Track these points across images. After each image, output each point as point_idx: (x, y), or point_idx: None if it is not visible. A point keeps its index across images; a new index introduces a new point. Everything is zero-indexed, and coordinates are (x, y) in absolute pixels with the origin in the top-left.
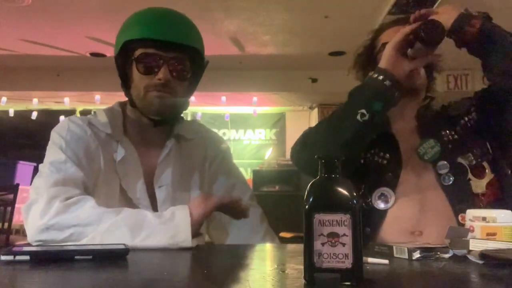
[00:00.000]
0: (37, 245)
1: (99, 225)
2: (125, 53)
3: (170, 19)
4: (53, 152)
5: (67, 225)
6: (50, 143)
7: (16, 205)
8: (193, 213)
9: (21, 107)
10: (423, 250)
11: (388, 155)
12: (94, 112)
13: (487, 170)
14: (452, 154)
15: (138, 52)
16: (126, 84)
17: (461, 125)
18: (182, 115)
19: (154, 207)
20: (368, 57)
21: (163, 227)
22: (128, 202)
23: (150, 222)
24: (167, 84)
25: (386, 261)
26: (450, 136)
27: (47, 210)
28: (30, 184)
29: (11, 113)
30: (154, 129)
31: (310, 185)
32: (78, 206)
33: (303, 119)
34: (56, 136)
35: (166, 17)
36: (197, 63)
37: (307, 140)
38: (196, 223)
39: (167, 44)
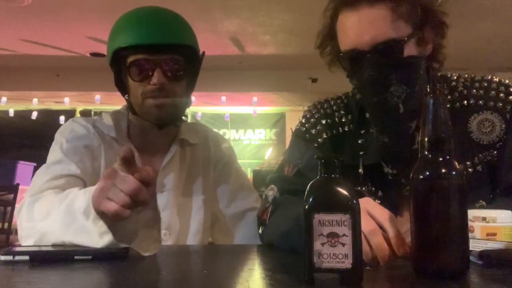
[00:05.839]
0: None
1: (47, 220)
2: (117, 60)
3: (157, 20)
4: (52, 153)
5: (24, 221)
6: (53, 143)
7: (16, 205)
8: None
9: (21, 107)
10: None
11: (380, 192)
12: (101, 114)
13: None
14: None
15: (129, 59)
16: (124, 91)
17: (490, 154)
18: (185, 114)
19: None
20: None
21: (90, 225)
22: None
23: (79, 217)
24: (163, 88)
25: None
26: (470, 169)
27: (20, 208)
28: None
29: (11, 113)
30: (158, 133)
31: (310, 185)
32: (38, 200)
33: None
34: (58, 137)
35: (153, 18)
36: (192, 59)
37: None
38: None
39: (158, 47)
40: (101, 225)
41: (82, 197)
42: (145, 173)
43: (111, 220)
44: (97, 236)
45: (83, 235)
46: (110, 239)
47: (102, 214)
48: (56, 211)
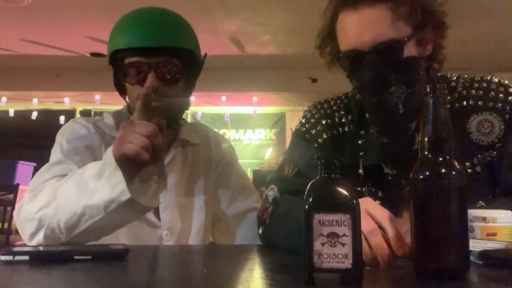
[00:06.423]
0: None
1: (56, 200)
2: (115, 62)
3: (154, 22)
4: (53, 153)
5: (34, 211)
6: (54, 144)
7: (16, 205)
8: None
9: (21, 107)
10: None
11: (380, 193)
12: (101, 114)
13: None
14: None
15: (125, 61)
16: (122, 92)
17: (490, 155)
18: (183, 116)
19: (157, 212)
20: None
21: (102, 183)
22: None
23: (90, 182)
24: (156, 91)
25: None
26: (470, 170)
27: (19, 208)
28: None
29: (11, 113)
30: None
31: (310, 185)
32: (40, 191)
33: None
34: (59, 137)
35: (151, 21)
36: (189, 62)
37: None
38: (122, 163)
39: (153, 50)
40: (117, 176)
41: (92, 167)
42: (159, 120)
43: (132, 164)
44: (109, 189)
45: (95, 196)
46: (122, 187)
47: (122, 162)
48: (64, 188)
